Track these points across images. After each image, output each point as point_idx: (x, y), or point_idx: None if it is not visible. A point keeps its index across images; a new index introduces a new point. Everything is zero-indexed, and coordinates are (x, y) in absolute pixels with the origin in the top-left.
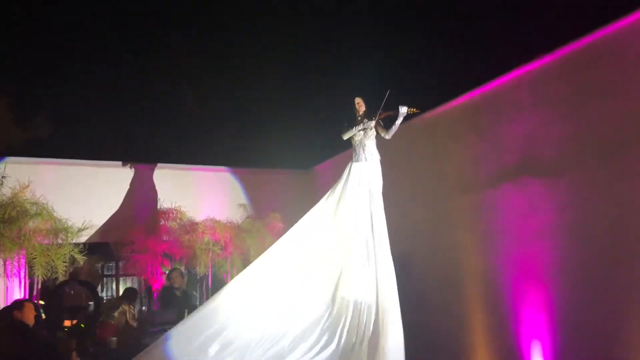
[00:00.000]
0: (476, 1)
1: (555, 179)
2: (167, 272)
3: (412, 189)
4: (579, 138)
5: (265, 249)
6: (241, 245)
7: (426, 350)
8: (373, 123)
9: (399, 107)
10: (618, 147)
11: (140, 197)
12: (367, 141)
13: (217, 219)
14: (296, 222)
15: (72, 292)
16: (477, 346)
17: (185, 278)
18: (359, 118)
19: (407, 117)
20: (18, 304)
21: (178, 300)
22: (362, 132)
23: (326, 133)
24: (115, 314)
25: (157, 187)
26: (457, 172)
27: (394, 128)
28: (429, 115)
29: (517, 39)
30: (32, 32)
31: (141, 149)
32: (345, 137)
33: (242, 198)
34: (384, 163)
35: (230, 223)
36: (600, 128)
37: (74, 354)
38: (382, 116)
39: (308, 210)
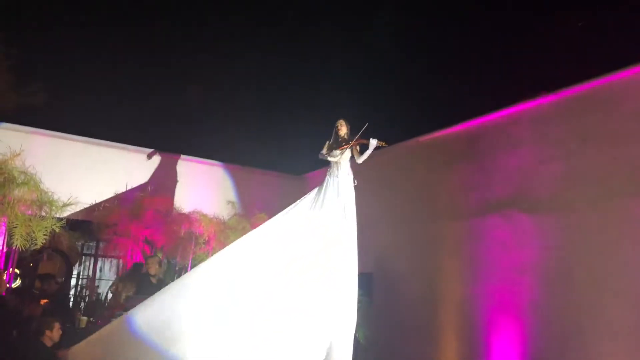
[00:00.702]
0: (487, 37)
1: (543, 216)
2: (145, 258)
3: (402, 210)
4: (572, 179)
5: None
6: (224, 242)
7: None
8: (347, 147)
9: (370, 139)
10: (609, 193)
11: (130, 180)
12: (342, 161)
13: (204, 213)
14: None
15: (47, 259)
16: None
17: (164, 267)
18: (339, 139)
19: (381, 148)
20: None
21: (152, 288)
22: (338, 152)
23: (321, 143)
24: (130, 293)
25: (148, 173)
26: (448, 198)
27: (365, 156)
28: (425, 138)
29: (520, 77)
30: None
31: (137, 133)
32: (320, 157)
33: (232, 195)
34: (376, 182)
35: (216, 218)
36: (593, 172)
37: (57, 325)
38: (357, 142)
39: None
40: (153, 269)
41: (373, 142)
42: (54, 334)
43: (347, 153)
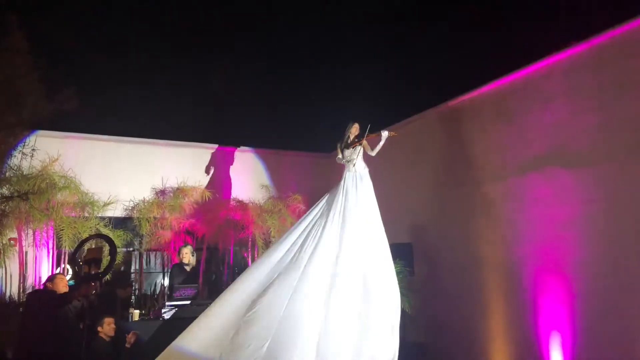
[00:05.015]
0: None
1: (583, 170)
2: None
3: (436, 177)
4: (610, 129)
5: (286, 230)
6: (262, 225)
7: (443, 336)
8: (359, 144)
9: (381, 131)
10: None
11: (164, 174)
12: (355, 158)
13: (240, 199)
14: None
15: (92, 245)
16: (494, 334)
17: (195, 256)
18: (349, 141)
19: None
20: (50, 277)
21: (188, 277)
22: (350, 152)
23: (347, 119)
24: None
25: (182, 165)
26: (483, 160)
27: (378, 148)
28: (456, 102)
29: (549, 27)
30: (66, 7)
31: (166, 127)
32: (338, 161)
33: (265, 179)
34: (409, 150)
35: (252, 203)
36: (632, 120)
37: (106, 321)
38: (368, 138)
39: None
40: (186, 258)
41: (385, 134)
42: (105, 329)
43: (360, 151)
